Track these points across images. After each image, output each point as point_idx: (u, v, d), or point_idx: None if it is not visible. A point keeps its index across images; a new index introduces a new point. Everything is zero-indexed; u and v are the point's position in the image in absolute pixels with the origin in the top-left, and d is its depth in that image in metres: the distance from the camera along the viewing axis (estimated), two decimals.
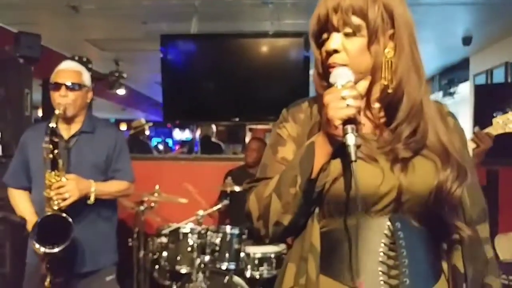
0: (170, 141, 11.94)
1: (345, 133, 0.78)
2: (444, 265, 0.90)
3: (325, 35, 0.88)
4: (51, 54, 5.11)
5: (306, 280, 0.83)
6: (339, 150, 0.82)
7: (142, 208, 2.79)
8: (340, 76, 0.82)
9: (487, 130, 1.95)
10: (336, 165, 0.84)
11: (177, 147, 10.38)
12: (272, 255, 2.80)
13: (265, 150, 0.98)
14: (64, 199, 1.74)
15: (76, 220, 1.77)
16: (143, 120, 5.77)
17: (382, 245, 0.83)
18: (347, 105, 0.78)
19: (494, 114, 1.98)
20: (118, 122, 10.52)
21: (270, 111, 4.15)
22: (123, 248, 2.42)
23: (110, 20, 4.42)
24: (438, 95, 7.80)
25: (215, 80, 4.09)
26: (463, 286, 0.86)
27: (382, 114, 0.90)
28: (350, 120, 0.78)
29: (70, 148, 1.89)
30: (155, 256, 2.81)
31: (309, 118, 0.94)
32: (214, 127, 5.55)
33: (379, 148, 0.85)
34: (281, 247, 2.89)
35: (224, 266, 2.69)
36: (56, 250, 1.68)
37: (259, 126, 8.95)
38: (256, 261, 2.77)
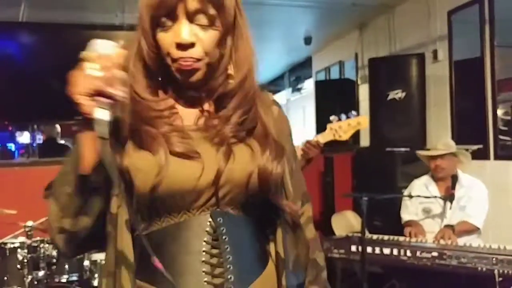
0: (12, 146, 10.48)
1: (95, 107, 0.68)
2: (272, 251, 0.88)
3: (168, 22, 0.76)
4: None
5: None
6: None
7: None
8: (93, 48, 0.71)
9: (318, 136, 2.06)
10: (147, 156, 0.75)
11: (22, 152, 9.14)
12: None
13: None
14: None
15: None
16: None
17: (204, 243, 0.78)
18: (89, 76, 0.68)
19: (331, 118, 2.06)
20: None
21: None
22: None
23: None
24: (288, 91, 8.42)
25: (55, 75, 3.68)
26: (284, 272, 0.84)
27: (209, 102, 0.84)
28: (99, 94, 0.68)
29: None
30: None
31: None
32: (58, 127, 5.02)
33: (205, 137, 0.80)
34: None
35: (64, 279, 2.44)
36: None
37: None
38: None
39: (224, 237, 0.79)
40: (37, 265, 2.32)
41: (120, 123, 0.75)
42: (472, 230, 2.65)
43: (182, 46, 0.77)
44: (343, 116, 2.06)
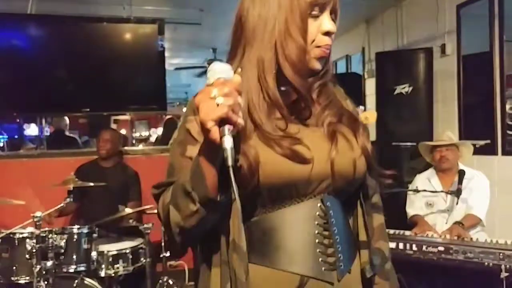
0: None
1: (221, 135, 0.68)
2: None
3: (317, 11, 0.84)
4: None
5: (235, 283, 0.77)
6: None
7: None
8: (215, 72, 0.72)
9: None
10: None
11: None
12: (128, 251, 2.68)
13: (172, 148, 0.87)
14: None
15: None
16: None
17: (317, 226, 0.84)
18: (217, 104, 0.68)
19: None
20: None
21: (130, 101, 3.94)
22: None
23: None
24: None
25: (63, 68, 3.71)
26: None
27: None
28: (225, 121, 0.69)
29: None
30: None
31: None
32: (67, 119, 5.06)
33: (306, 126, 0.86)
34: (137, 242, 2.78)
35: (72, 269, 2.48)
36: None
37: (124, 117, 8.43)
38: (111, 259, 2.63)
39: (332, 220, 0.86)
40: (45, 255, 2.35)
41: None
42: (477, 222, 2.64)
43: (330, 34, 0.85)
44: None
